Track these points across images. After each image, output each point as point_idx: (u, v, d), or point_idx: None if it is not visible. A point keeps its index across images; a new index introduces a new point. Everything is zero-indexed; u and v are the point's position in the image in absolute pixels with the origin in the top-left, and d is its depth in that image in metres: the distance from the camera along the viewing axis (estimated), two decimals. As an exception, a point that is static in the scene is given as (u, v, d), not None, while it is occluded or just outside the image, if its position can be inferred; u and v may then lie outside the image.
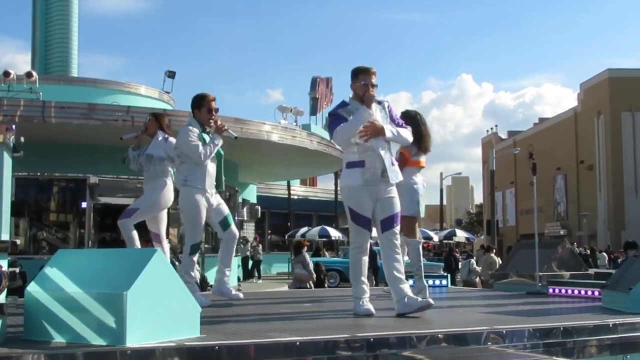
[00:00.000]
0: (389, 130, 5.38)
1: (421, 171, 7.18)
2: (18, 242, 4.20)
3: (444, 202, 52.08)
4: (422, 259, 7.09)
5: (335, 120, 5.40)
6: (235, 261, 23.26)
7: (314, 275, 14.54)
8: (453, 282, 23.60)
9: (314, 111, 36.17)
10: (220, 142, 6.29)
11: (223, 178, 6.49)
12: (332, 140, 5.57)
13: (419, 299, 5.45)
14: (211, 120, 6.28)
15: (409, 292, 5.39)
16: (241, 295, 6.39)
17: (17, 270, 3.78)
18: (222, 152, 6.49)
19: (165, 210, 7.02)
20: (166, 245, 6.96)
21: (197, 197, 6.25)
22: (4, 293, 3.61)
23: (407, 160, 6.96)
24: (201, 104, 6.34)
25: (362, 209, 5.38)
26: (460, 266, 20.65)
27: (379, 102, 5.47)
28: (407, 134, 5.54)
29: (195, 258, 6.29)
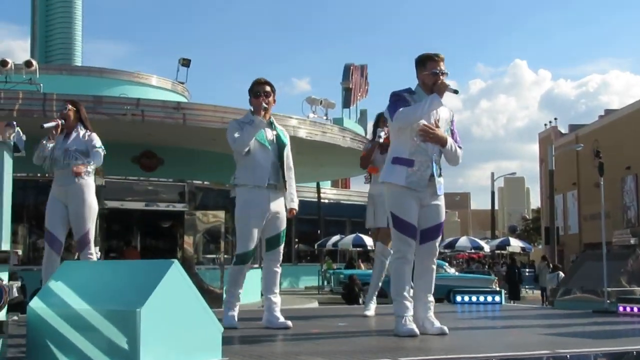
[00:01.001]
0: (450, 144, 5.49)
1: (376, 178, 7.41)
2: (19, 252, 4.24)
3: (496, 207, 51.74)
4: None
5: (398, 101, 5.44)
6: (257, 274, 23.34)
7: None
8: (517, 297, 23.45)
9: (346, 103, 36.21)
10: (258, 122, 6.09)
11: (282, 174, 6.24)
12: (390, 123, 5.55)
13: (437, 323, 5.44)
14: (258, 103, 6.20)
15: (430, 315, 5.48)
16: (289, 323, 6.26)
17: (19, 284, 3.83)
18: (285, 141, 6.34)
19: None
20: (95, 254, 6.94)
21: (244, 199, 6.17)
22: (4, 310, 3.67)
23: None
24: (250, 90, 6.39)
25: (407, 215, 5.39)
26: (547, 279, 20.56)
27: (455, 92, 5.49)
28: (460, 155, 5.64)
29: (244, 270, 6.21)
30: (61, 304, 3.97)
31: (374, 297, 7.67)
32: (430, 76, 5.43)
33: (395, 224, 5.45)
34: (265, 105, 6.22)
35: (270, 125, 6.31)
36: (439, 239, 5.58)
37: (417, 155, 5.40)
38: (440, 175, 5.53)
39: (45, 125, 6.72)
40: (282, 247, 6.36)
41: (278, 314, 6.25)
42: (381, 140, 7.21)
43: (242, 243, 6.12)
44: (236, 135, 6.11)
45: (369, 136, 7.86)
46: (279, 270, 6.36)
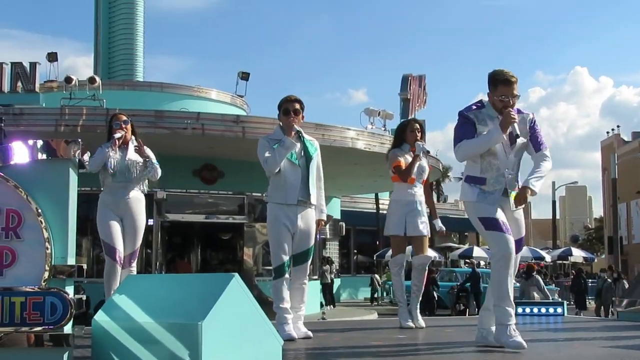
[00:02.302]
0: (535, 188, 5.21)
1: (411, 187, 7.34)
2: (84, 266, 4.30)
3: (557, 216, 50.91)
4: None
5: (462, 126, 5.32)
6: (317, 286, 23.36)
7: (550, 298, 15.67)
8: (584, 308, 23.02)
9: (405, 114, 36.04)
10: (289, 144, 6.12)
11: (312, 189, 6.26)
12: (454, 152, 5.41)
13: (515, 336, 5.25)
14: (289, 122, 6.25)
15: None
16: (310, 333, 6.27)
17: (83, 297, 3.92)
18: (313, 154, 6.34)
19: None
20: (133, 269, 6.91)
21: (274, 214, 6.27)
22: (70, 323, 3.75)
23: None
24: (280, 106, 6.42)
25: (494, 212, 5.21)
26: (624, 288, 20.21)
27: (521, 112, 5.38)
28: (547, 166, 5.37)
29: (284, 282, 6.19)
30: (125, 317, 4.03)
31: (409, 310, 7.49)
32: (500, 101, 5.27)
33: (485, 225, 5.22)
34: (297, 129, 6.24)
35: (299, 138, 6.32)
36: (520, 253, 5.36)
37: (489, 172, 5.30)
38: (514, 191, 5.35)
39: (116, 135, 6.80)
40: (308, 263, 6.40)
41: (300, 325, 6.31)
42: (421, 155, 7.24)
43: (276, 256, 6.21)
44: (267, 155, 6.16)
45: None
46: (305, 286, 6.39)
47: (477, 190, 5.30)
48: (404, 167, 7.29)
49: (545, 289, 15.65)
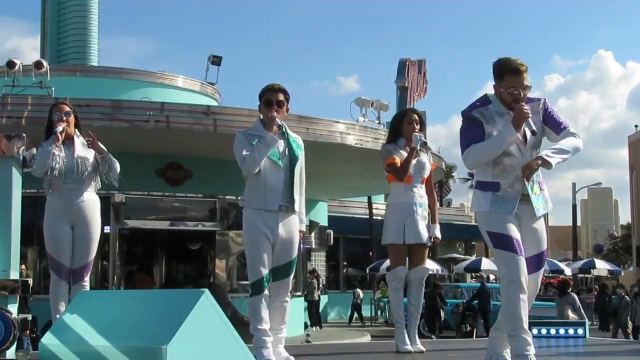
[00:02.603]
0: (550, 158, 5.16)
1: (409, 187, 7.30)
2: (30, 281, 4.26)
3: (579, 223, 51.14)
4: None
5: (469, 128, 5.31)
6: (301, 303, 23.38)
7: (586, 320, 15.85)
8: (607, 329, 23.05)
9: (402, 104, 36.08)
10: (270, 140, 6.08)
11: (296, 194, 6.26)
12: (462, 159, 5.39)
13: None
14: (270, 116, 6.17)
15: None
16: (292, 358, 6.22)
17: (29, 317, 3.91)
18: (298, 156, 6.32)
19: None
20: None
21: (252, 221, 6.23)
22: (14, 347, 3.75)
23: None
24: (261, 96, 6.39)
25: (506, 228, 5.21)
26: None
27: (531, 100, 5.33)
28: (573, 142, 5.31)
29: (263, 300, 6.09)
30: (77, 339, 4.03)
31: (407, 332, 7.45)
32: (509, 94, 5.24)
33: (494, 242, 5.25)
34: (279, 123, 6.20)
35: (283, 135, 6.29)
36: (542, 270, 5.37)
37: (503, 175, 5.26)
38: (542, 189, 5.35)
39: (57, 129, 6.70)
40: (291, 277, 6.35)
41: (281, 349, 6.26)
42: (419, 147, 7.21)
43: (253, 270, 6.13)
44: (245, 153, 6.12)
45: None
46: (287, 304, 6.33)
47: (490, 197, 5.26)
48: (399, 164, 7.23)
49: (582, 309, 15.51)
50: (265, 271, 6.12)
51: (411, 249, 7.35)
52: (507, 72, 5.27)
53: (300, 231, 6.40)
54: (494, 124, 5.26)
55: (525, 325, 5.15)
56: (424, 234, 7.29)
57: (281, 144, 6.25)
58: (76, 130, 6.87)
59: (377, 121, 23.19)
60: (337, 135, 18.20)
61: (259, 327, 6.13)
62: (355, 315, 32.48)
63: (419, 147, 7.23)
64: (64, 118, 6.73)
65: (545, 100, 5.46)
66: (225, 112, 17.99)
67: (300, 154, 6.37)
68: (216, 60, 26.30)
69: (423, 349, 7.33)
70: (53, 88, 18.59)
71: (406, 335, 7.35)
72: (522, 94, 5.24)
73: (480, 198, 5.33)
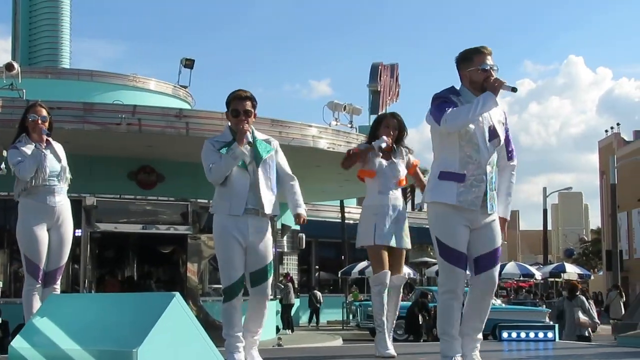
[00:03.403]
0: (507, 216, 5.62)
1: (383, 190, 7.28)
2: (0, 284, 4.23)
3: (549, 227, 51.45)
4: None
5: (444, 104, 5.32)
6: (274, 306, 23.37)
7: (598, 321, 16.30)
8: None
9: (375, 109, 36.17)
10: (239, 153, 6.06)
11: (265, 196, 6.20)
12: (433, 129, 5.44)
13: None
14: (242, 130, 6.10)
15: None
16: None
17: (-1, 320, 3.90)
18: (263, 155, 6.24)
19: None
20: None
21: (221, 225, 6.20)
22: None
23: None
24: (228, 104, 6.36)
25: (455, 241, 5.32)
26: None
27: (513, 89, 5.38)
28: (513, 186, 5.76)
29: (236, 305, 6.05)
30: (47, 343, 4.02)
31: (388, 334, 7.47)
32: (480, 72, 5.32)
33: (441, 251, 5.37)
34: (250, 139, 6.14)
35: (251, 142, 6.22)
36: (497, 267, 5.45)
37: (469, 167, 5.30)
38: (493, 189, 5.42)
39: (45, 131, 6.69)
40: (269, 282, 6.27)
41: (254, 352, 6.24)
42: (383, 145, 7.19)
43: (225, 275, 6.10)
44: (211, 165, 6.10)
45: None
46: (265, 308, 6.29)
47: (454, 189, 5.29)
48: (354, 152, 7.30)
49: (592, 311, 15.68)
50: (237, 276, 6.07)
51: (389, 254, 7.25)
52: (474, 53, 5.40)
53: (300, 214, 6.35)
54: None
55: (455, 332, 5.36)
56: (398, 238, 7.21)
57: (248, 152, 6.23)
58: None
59: (349, 125, 23.24)
60: (309, 139, 18.24)
61: (231, 333, 6.11)
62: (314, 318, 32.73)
63: (376, 148, 7.15)
64: (40, 121, 6.70)
65: (506, 116, 5.59)
66: (197, 115, 17.97)
67: (267, 154, 6.27)
68: (189, 63, 26.29)
69: (394, 353, 7.31)
70: (24, 90, 18.51)
71: (387, 339, 7.24)
72: (491, 68, 5.33)
73: (444, 188, 5.34)
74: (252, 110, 6.26)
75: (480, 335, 5.51)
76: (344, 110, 23.58)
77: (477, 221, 5.35)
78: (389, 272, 7.20)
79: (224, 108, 6.41)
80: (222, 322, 6.21)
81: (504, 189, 5.58)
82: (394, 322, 7.43)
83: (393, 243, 7.21)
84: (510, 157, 5.58)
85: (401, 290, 7.47)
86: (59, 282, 6.80)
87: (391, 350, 7.18)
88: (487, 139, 5.34)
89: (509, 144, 5.57)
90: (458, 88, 5.48)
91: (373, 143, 7.20)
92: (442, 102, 5.35)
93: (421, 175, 7.64)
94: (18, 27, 31.14)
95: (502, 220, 5.50)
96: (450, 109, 5.25)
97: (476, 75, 5.35)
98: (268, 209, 6.21)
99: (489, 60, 5.37)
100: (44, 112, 6.80)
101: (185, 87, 27.11)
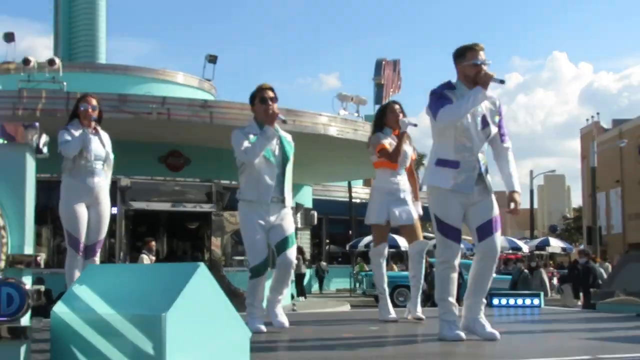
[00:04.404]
0: (519, 187, 5.56)
1: (395, 173, 7.22)
2: (42, 256, 4.23)
3: (535, 206, 51.34)
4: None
5: (440, 99, 5.32)
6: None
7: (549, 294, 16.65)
8: (577, 297, 22.97)
9: (379, 99, 36.10)
10: (271, 133, 6.08)
11: (287, 190, 6.24)
12: (432, 123, 5.41)
13: (488, 327, 5.41)
14: (272, 113, 6.15)
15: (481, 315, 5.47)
16: (286, 324, 6.16)
17: (42, 288, 3.88)
18: (289, 157, 6.30)
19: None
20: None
21: (246, 213, 6.20)
22: (28, 315, 3.72)
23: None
24: (254, 97, 6.34)
25: (451, 218, 5.34)
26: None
27: (501, 82, 5.36)
28: (514, 163, 5.64)
29: (262, 282, 6.13)
30: (85, 308, 4.01)
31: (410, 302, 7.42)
32: (472, 67, 5.30)
33: (438, 227, 5.39)
34: (282, 118, 6.20)
35: (275, 134, 6.26)
36: (498, 233, 5.41)
37: (463, 154, 5.31)
38: (487, 172, 5.44)
39: (94, 116, 6.72)
40: (294, 248, 6.29)
41: (279, 309, 6.29)
42: (413, 122, 7.14)
43: (252, 256, 6.16)
44: (246, 145, 6.11)
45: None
46: (290, 272, 6.33)
47: (450, 175, 5.30)
48: (390, 150, 7.11)
49: (546, 284, 15.71)
50: (262, 257, 6.10)
51: (403, 229, 7.24)
52: (467, 49, 5.38)
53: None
54: None
55: (452, 299, 5.37)
56: (410, 215, 7.15)
57: (274, 143, 6.23)
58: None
59: (356, 114, 23.19)
60: (320, 127, 18.18)
61: (254, 303, 6.16)
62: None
63: (407, 130, 7.10)
64: (90, 110, 6.73)
65: (500, 104, 5.55)
66: (220, 105, 17.93)
67: (291, 154, 6.35)
68: (212, 59, 26.27)
69: (423, 317, 7.18)
70: (65, 83, 18.49)
71: (389, 304, 7.25)
72: (483, 63, 5.30)
73: (440, 174, 5.35)
74: (276, 98, 6.31)
75: (484, 299, 5.50)
76: (351, 100, 23.51)
77: (472, 200, 5.35)
78: (387, 245, 7.26)
79: (244, 99, 6.45)
80: (247, 293, 6.24)
81: (509, 169, 5.53)
82: (420, 288, 7.33)
83: (403, 221, 7.17)
84: (502, 140, 5.54)
85: (424, 255, 7.34)
86: (98, 254, 6.82)
87: (393, 314, 7.18)
88: (479, 128, 5.33)
89: (501, 128, 5.53)
90: (454, 82, 5.46)
91: (402, 129, 7.09)
92: (437, 98, 5.36)
93: (414, 172, 7.61)
94: (59, 26, 31.13)
95: (515, 193, 5.46)
96: (445, 107, 5.24)
97: (469, 70, 5.35)
98: (289, 201, 6.29)
99: (481, 56, 5.35)
100: (94, 102, 6.87)
101: (209, 80, 27.08)
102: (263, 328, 6.04)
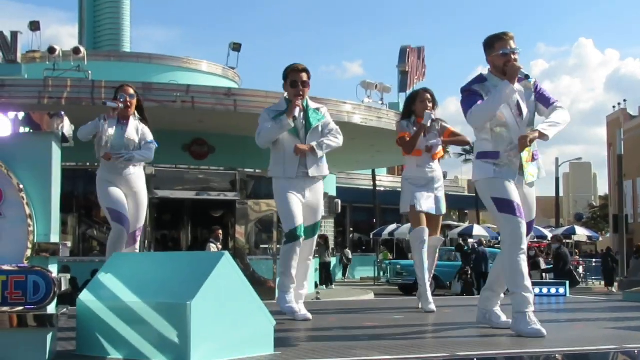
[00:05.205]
0: (546, 131, 5.11)
1: (421, 163, 7.14)
2: (69, 244, 4.28)
3: (561, 194, 50.98)
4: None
5: (469, 97, 5.24)
6: (314, 263, 23.43)
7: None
8: (612, 285, 22.33)
9: (403, 87, 35.96)
10: (285, 124, 5.99)
11: (309, 162, 6.11)
12: (467, 121, 5.29)
13: (503, 317, 5.35)
14: (295, 103, 6.03)
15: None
16: (310, 316, 6.08)
17: (68, 276, 3.92)
18: (313, 123, 6.17)
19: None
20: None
21: (280, 185, 6.12)
22: (54, 303, 3.75)
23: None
24: (286, 76, 6.21)
25: (509, 194, 5.11)
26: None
27: (526, 77, 5.24)
28: (564, 116, 5.27)
29: (296, 248, 5.99)
30: (111, 296, 4.04)
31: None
32: (500, 57, 5.19)
33: (499, 207, 5.13)
34: (300, 109, 6.06)
35: (302, 109, 6.13)
36: (528, 236, 5.24)
37: (501, 145, 5.19)
38: (533, 159, 5.28)
39: (108, 103, 6.79)
40: (315, 238, 6.32)
41: (301, 305, 6.19)
42: (433, 117, 7.08)
43: (287, 222, 6.03)
44: (264, 126, 6.06)
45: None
46: (310, 262, 6.30)
47: (491, 166, 5.22)
48: (408, 139, 7.06)
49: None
50: (298, 221, 5.98)
51: (427, 220, 7.11)
52: (495, 39, 5.28)
53: (312, 146, 6.14)
54: None
55: (528, 283, 5.08)
56: (436, 206, 7.10)
57: (301, 118, 6.15)
58: (135, 113, 6.90)
59: (380, 102, 23.13)
60: (344, 115, 18.15)
61: (286, 272, 6.03)
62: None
63: (428, 124, 7.04)
64: (127, 100, 6.76)
65: (536, 80, 5.41)
66: (244, 93, 17.95)
67: (319, 122, 6.22)
68: (236, 47, 26.29)
69: (434, 308, 7.02)
70: (90, 72, 18.60)
71: (429, 294, 7.05)
72: (511, 52, 5.19)
73: (482, 167, 5.25)
74: (308, 82, 6.20)
75: (502, 294, 5.49)
76: (375, 88, 23.47)
77: (518, 191, 5.20)
78: (427, 229, 7.06)
79: (267, 87, 6.39)
80: (280, 262, 6.15)
81: (551, 116, 5.24)
82: (430, 280, 7.25)
83: (431, 210, 7.11)
84: (548, 105, 5.31)
85: (437, 251, 7.36)
86: (138, 241, 6.86)
87: (432, 305, 7.02)
88: (515, 116, 5.23)
89: (543, 96, 5.33)
90: (486, 74, 5.37)
91: (423, 121, 7.04)
92: (467, 96, 5.27)
93: (458, 132, 7.41)
94: (84, 15, 31.31)
95: (540, 134, 5.10)
96: (474, 106, 5.15)
97: (498, 60, 5.25)
98: (313, 172, 6.15)
99: (511, 45, 5.23)
100: (131, 91, 6.94)
101: (233, 68, 27.10)
102: (295, 307, 5.99)
